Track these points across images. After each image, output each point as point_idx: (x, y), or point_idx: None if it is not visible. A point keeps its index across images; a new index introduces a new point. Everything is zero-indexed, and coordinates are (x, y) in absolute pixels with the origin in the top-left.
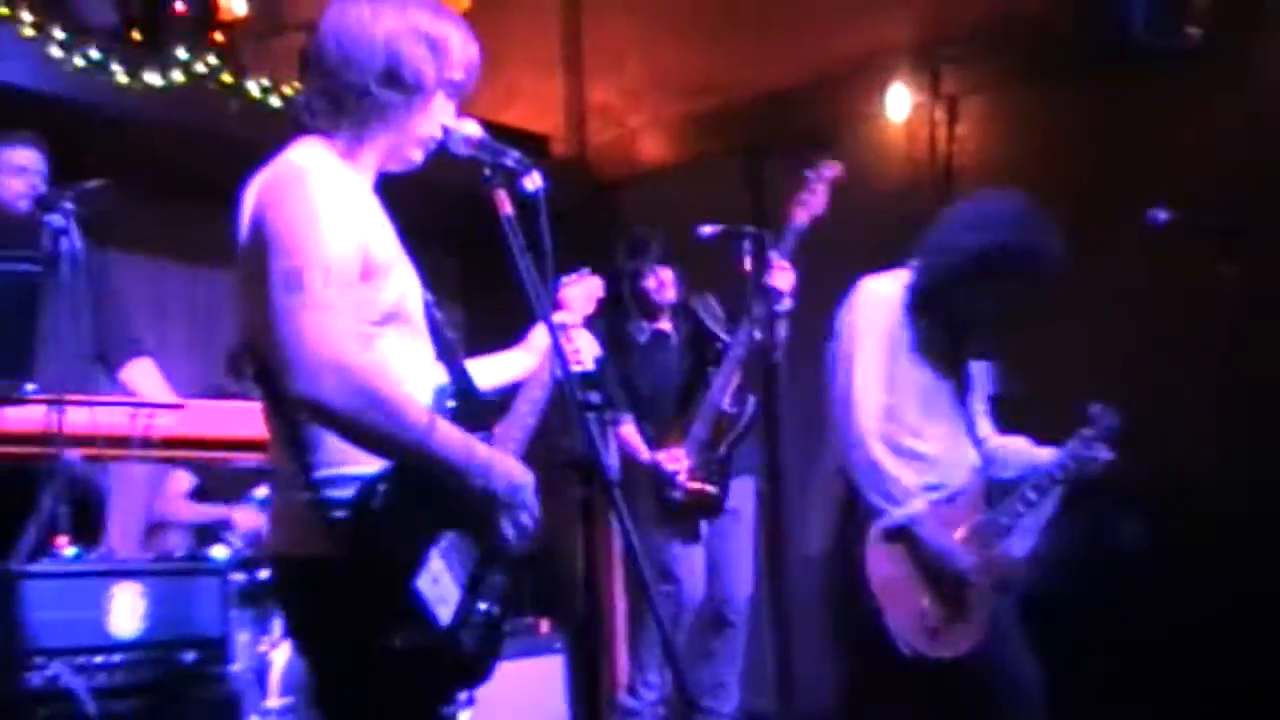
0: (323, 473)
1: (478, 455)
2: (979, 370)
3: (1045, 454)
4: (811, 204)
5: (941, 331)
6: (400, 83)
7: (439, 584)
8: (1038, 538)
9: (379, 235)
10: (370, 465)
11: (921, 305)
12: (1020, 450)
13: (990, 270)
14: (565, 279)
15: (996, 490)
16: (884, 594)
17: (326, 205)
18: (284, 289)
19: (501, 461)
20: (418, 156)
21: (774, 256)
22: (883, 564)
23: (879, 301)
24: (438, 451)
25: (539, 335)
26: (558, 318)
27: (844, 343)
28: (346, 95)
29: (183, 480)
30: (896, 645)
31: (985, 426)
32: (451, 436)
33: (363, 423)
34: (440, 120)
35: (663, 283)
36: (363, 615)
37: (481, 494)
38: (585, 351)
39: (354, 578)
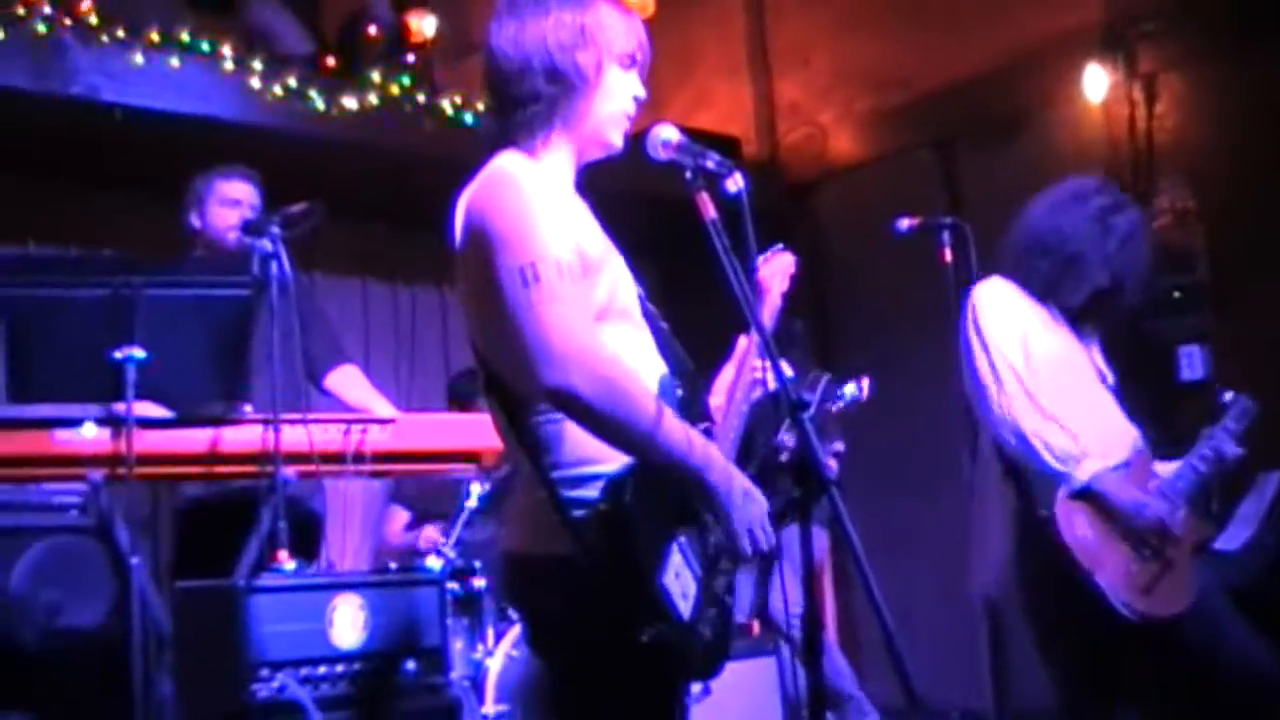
0: (562, 472)
1: (710, 456)
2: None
3: (1170, 468)
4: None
5: (1074, 314)
6: (562, 77)
7: (680, 578)
8: (1254, 527)
9: (590, 232)
10: (609, 464)
11: (1046, 294)
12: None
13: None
14: (760, 259)
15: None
16: (1090, 557)
17: (542, 205)
18: (520, 285)
19: (729, 467)
20: (617, 139)
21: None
22: (1076, 532)
23: (1000, 296)
24: (668, 445)
25: (727, 372)
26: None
27: (974, 341)
28: (522, 105)
29: (402, 515)
30: (1115, 608)
31: None
32: (683, 432)
33: (607, 412)
34: (625, 93)
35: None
36: (611, 611)
37: (712, 495)
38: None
39: (602, 574)
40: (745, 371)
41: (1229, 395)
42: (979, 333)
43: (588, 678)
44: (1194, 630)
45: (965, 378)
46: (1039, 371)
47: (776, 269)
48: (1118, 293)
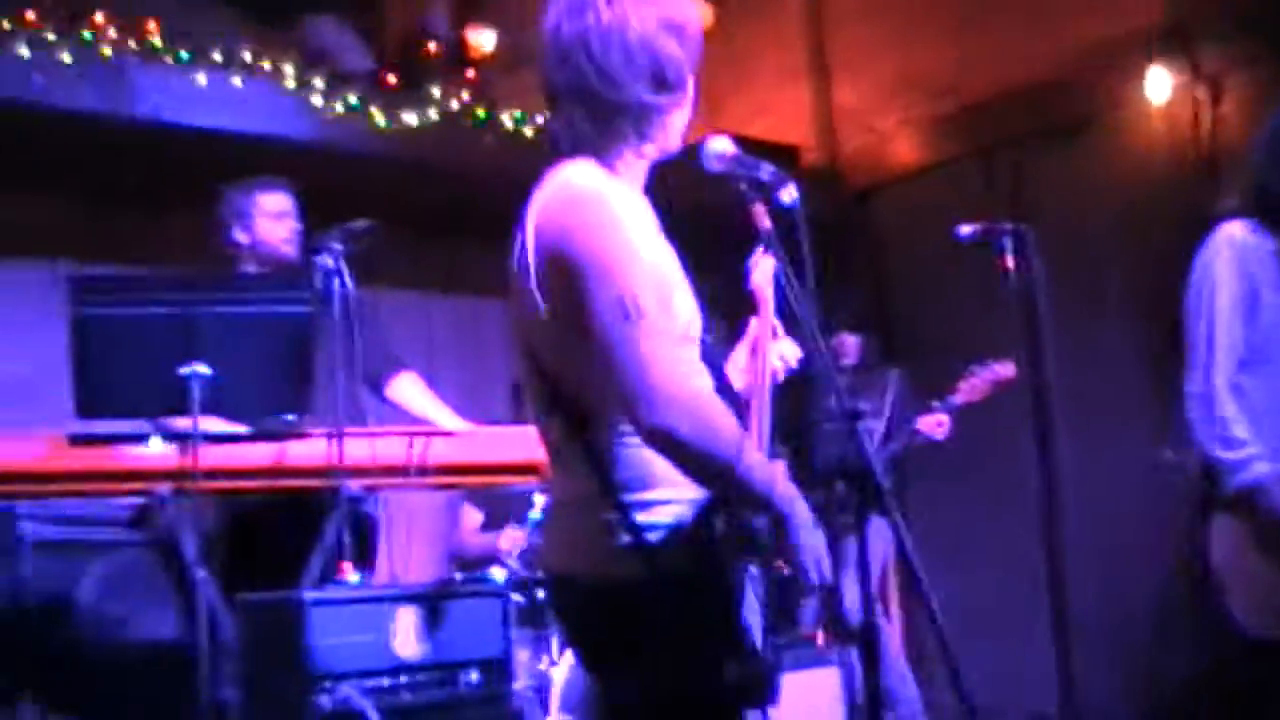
0: (635, 495)
1: (779, 480)
2: None
3: None
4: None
5: None
6: (668, 84)
7: (752, 610)
8: None
9: (667, 252)
10: (680, 488)
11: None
12: None
13: None
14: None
15: None
16: (1226, 572)
17: (634, 229)
18: (620, 318)
19: (790, 486)
20: (678, 146)
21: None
22: (1225, 538)
23: (1239, 243)
24: (749, 477)
25: (740, 353)
26: (755, 326)
27: (1198, 290)
28: (618, 113)
29: (475, 516)
30: (1244, 630)
31: None
32: (759, 461)
33: (702, 450)
34: (690, 100)
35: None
36: (692, 642)
37: (782, 520)
38: (787, 355)
39: (682, 603)
40: (762, 359)
41: None
42: (1208, 284)
43: (653, 708)
44: None
45: (1188, 326)
46: (1268, 340)
47: (766, 273)
48: None
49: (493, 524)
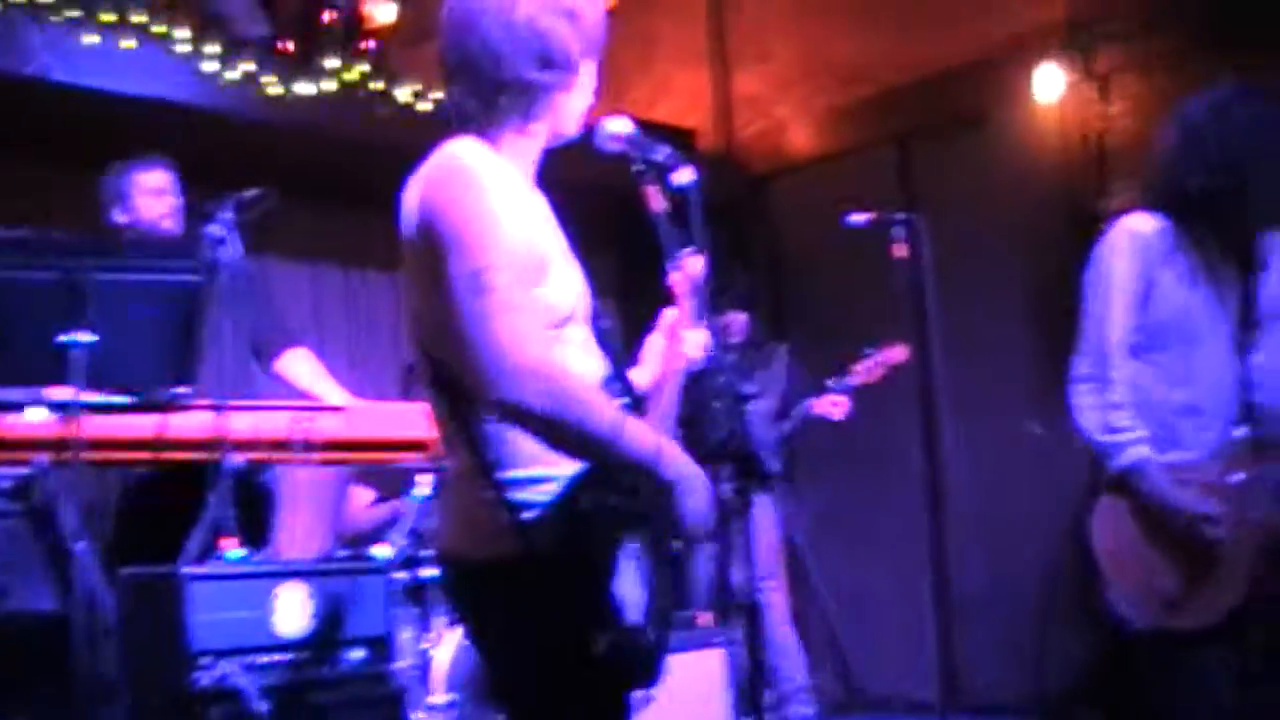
0: (511, 473)
1: (665, 449)
2: (1276, 298)
3: None
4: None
5: (1216, 252)
6: (554, 64)
7: (631, 584)
8: None
9: (545, 230)
10: (560, 466)
11: (1189, 221)
12: None
13: (1240, 155)
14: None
15: (1274, 441)
16: (1108, 558)
17: (500, 203)
18: (471, 292)
19: (681, 454)
20: (575, 130)
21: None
22: (1108, 523)
23: (1138, 237)
24: (629, 448)
25: (655, 340)
26: (671, 314)
27: (1094, 278)
28: (502, 91)
29: (365, 494)
30: (1126, 619)
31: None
32: (640, 432)
33: (562, 424)
34: (590, 85)
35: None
36: (565, 619)
37: (668, 488)
38: (696, 344)
39: (555, 580)
40: (675, 345)
41: None
42: (1102, 274)
43: (539, 685)
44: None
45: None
46: (1157, 331)
47: (689, 273)
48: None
49: (384, 500)
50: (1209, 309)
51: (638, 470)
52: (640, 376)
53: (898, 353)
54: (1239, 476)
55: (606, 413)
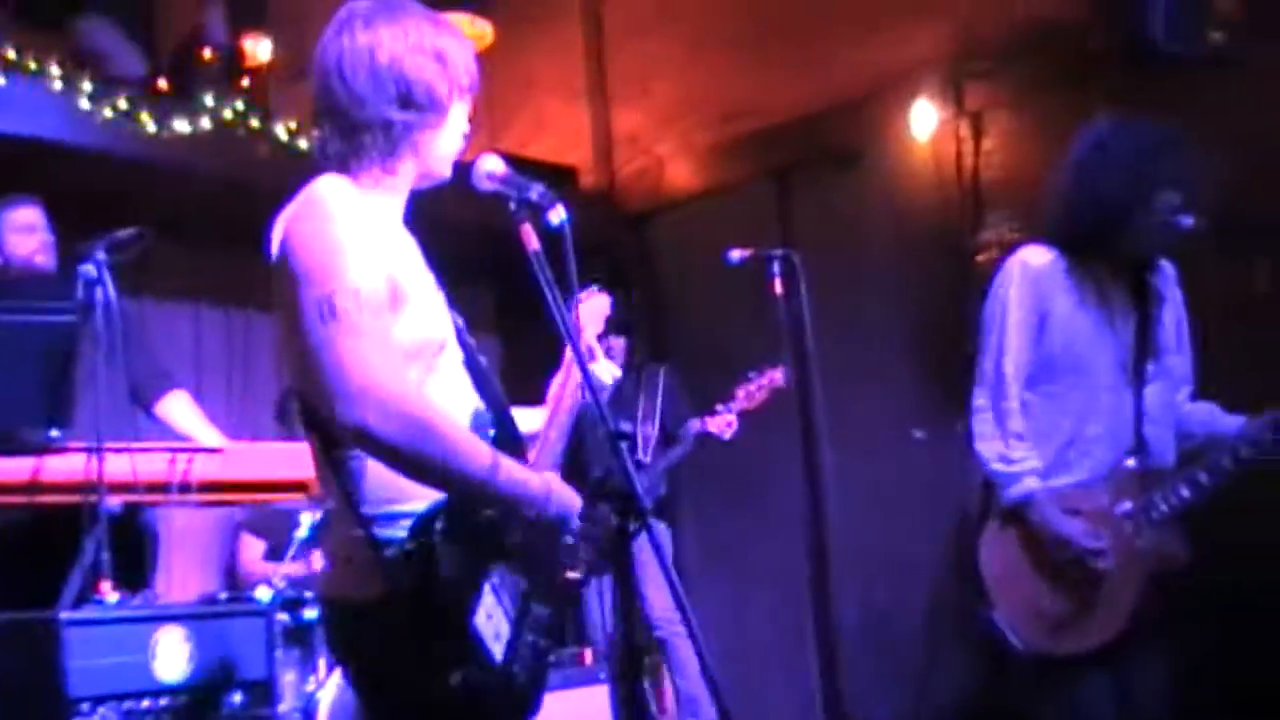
0: (373, 509)
1: (533, 482)
2: (1171, 331)
3: (1233, 422)
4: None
5: (1110, 284)
6: (417, 105)
7: (492, 619)
8: None
9: (406, 264)
10: (419, 501)
11: (1081, 254)
12: (1206, 418)
13: (1141, 187)
14: (578, 297)
15: (1163, 472)
16: (996, 585)
17: (350, 234)
18: (318, 318)
19: (557, 486)
20: (447, 171)
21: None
22: (997, 551)
23: (1031, 269)
24: (492, 480)
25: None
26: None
27: (990, 310)
28: (365, 131)
29: (257, 544)
30: (1010, 642)
31: (1170, 393)
32: (506, 464)
33: (411, 451)
34: (462, 126)
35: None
36: (422, 655)
37: (537, 522)
38: (603, 374)
39: (412, 617)
40: (568, 382)
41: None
42: (998, 308)
43: None
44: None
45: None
46: (1052, 363)
47: (593, 310)
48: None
49: (274, 554)
50: (1102, 339)
51: (507, 504)
52: (536, 416)
53: (777, 376)
54: (1126, 506)
55: (463, 443)
